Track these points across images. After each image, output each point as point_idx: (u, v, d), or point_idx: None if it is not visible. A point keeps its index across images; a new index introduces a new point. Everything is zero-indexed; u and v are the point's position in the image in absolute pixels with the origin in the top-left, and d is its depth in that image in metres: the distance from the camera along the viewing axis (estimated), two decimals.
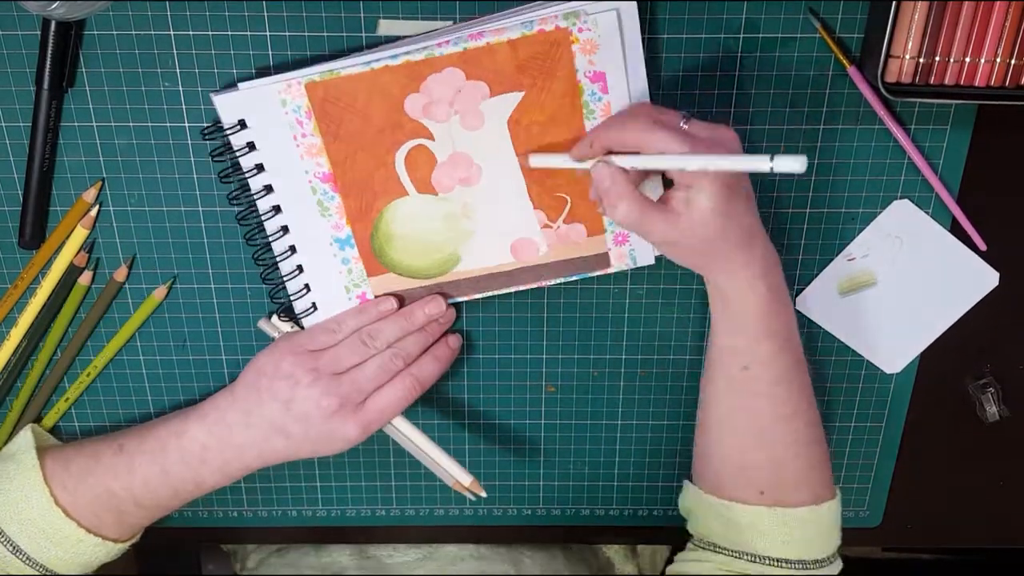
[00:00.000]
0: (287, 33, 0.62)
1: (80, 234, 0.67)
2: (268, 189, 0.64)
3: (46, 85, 0.62)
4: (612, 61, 0.61)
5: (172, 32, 0.62)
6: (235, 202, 0.65)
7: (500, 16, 0.61)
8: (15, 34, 0.62)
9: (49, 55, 0.61)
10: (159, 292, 0.70)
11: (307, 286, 0.68)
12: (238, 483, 0.71)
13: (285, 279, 0.67)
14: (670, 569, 0.70)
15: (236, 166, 0.64)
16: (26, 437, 0.70)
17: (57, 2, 0.56)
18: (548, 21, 0.60)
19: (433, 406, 0.75)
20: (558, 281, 0.69)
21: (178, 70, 0.63)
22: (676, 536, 0.82)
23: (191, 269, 0.69)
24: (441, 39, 0.60)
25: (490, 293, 0.69)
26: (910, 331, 0.73)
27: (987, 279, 0.71)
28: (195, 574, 1.05)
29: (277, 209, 0.65)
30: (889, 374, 0.74)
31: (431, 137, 0.63)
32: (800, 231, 0.69)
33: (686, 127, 0.58)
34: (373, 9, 0.62)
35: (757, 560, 0.66)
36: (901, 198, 0.68)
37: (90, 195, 0.66)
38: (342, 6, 0.61)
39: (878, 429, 0.77)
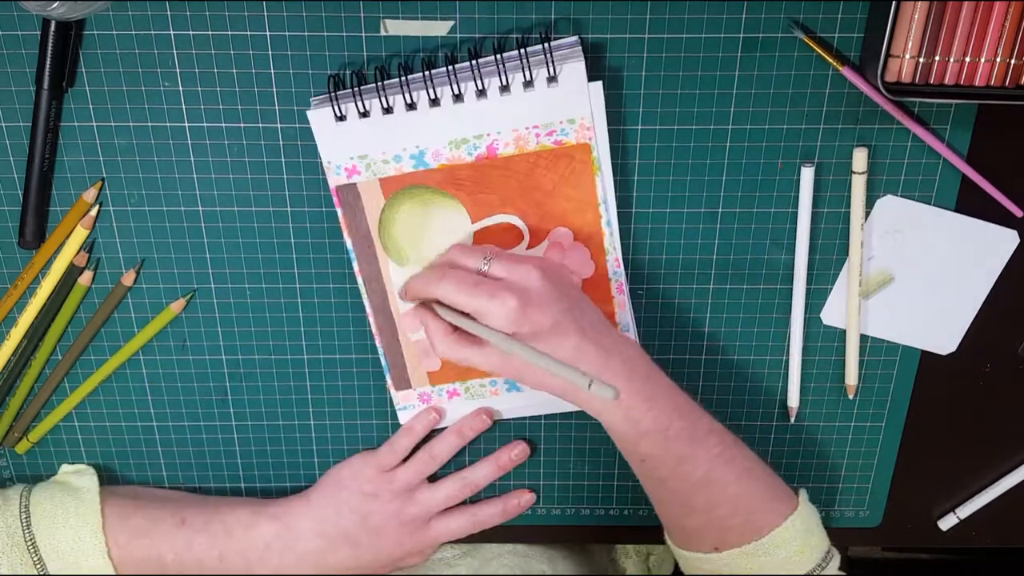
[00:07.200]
0: (287, 33, 0.62)
1: (80, 234, 0.67)
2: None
3: (46, 85, 0.62)
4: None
5: (172, 32, 0.62)
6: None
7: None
8: (15, 34, 0.62)
9: (49, 55, 0.61)
10: (176, 305, 0.70)
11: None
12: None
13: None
14: None
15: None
16: (92, 479, 0.71)
17: (57, 2, 0.56)
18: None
19: None
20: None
21: (178, 70, 0.63)
22: None
23: (191, 269, 0.69)
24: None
25: None
26: (949, 311, 0.71)
27: (1006, 241, 0.69)
28: None
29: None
30: (891, 372, 0.75)
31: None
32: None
33: (486, 267, 0.59)
34: (373, 9, 0.62)
35: None
36: (884, 195, 0.68)
37: (90, 195, 0.66)
38: (342, 6, 0.61)
39: (878, 429, 0.77)
